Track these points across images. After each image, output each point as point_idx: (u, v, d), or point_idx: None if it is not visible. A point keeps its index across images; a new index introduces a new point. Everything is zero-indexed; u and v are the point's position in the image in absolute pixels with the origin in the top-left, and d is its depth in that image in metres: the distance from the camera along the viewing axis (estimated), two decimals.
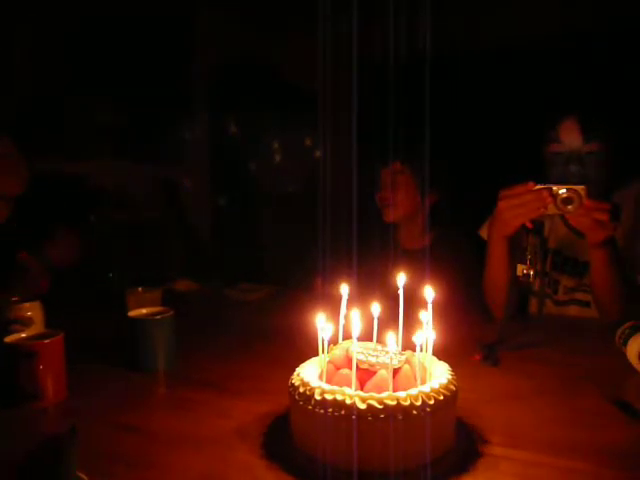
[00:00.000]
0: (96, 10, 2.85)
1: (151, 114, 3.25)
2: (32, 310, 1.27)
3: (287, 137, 3.27)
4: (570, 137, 1.49)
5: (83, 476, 0.74)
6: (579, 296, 1.60)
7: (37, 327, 1.24)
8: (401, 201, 1.93)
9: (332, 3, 2.24)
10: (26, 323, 1.24)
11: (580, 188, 1.24)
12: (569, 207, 1.24)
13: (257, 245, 3.32)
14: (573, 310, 1.61)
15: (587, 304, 1.58)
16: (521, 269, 1.31)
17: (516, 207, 1.30)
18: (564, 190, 1.25)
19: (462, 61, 2.86)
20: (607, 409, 1.00)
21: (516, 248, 1.39)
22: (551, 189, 1.26)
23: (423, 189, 1.95)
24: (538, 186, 1.27)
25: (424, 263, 1.84)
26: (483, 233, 1.69)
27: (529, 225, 1.33)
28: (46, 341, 1.05)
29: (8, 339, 1.06)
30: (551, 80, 2.62)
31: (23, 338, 1.08)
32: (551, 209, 1.27)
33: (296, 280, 1.80)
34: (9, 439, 0.92)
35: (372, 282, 1.43)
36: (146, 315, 1.25)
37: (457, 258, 1.90)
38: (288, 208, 3.10)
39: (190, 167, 3.51)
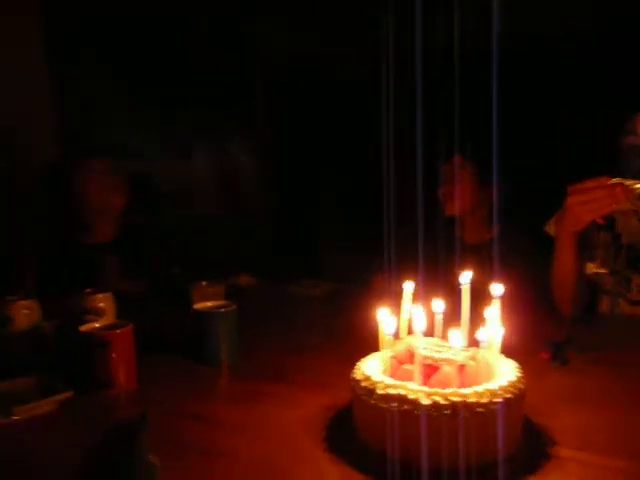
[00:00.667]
0: (160, 11, 2.94)
1: (214, 113, 3.34)
2: (104, 301, 1.33)
3: (347, 133, 3.27)
4: None
5: (154, 460, 0.76)
6: None
7: (109, 318, 1.30)
8: (461, 196, 1.91)
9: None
10: (99, 313, 1.30)
11: None
12: None
13: (319, 241, 3.34)
14: None
15: None
16: (591, 267, 1.26)
17: (587, 203, 1.25)
18: (639, 185, 1.19)
19: (529, 51, 2.77)
20: None
21: (585, 245, 1.34)
22: (625, 184, 1.20)
23: (484, 184, 1.92)
24: (611, 181, 1.22)
25: (486, 257, 1.81)
26: (550, 229, 1.63)
27: (600, 221, 1.27)
28: (118, 331, 1.09)
29: (83, 328, 1.12)
30: (628, 70, 2.50)
31: (96, 328, 1.13)
32: (624, 205, 1.21)
33: (354, 275, 1.81)
34: (85, 424, 0.97)
35: (434, 277, 1.41)
36: (211, 308, 1.28)
37: (521, 254, 1.85)
38: (353, 204, 3.11)
39: (252, 164, 3.57)
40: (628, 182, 1.21)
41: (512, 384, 0.79)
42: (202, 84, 3.23)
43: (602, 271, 1.27)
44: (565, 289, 1.44)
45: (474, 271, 1.08)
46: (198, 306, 1.29)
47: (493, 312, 0.87)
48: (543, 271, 1.77)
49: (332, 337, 1.40)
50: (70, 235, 1.94)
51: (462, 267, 1.09)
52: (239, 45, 3.42)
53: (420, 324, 0.83)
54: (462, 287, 0.94)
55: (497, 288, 0.91)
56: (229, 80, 3.37)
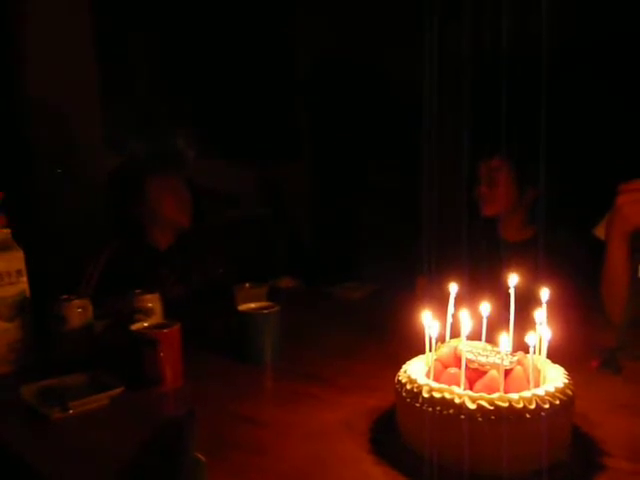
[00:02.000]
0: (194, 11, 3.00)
1: (254, 113, 3.38)
2: (152, 301, 1.37)
3: (388, 132, 3.26)
4: None
5: (201, 457, 0.78)
6: None
7: (157, 317, 1.33)
8: (499, 196, 1.91)
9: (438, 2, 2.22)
10: (147, 313, 1.34)
11: None
12: None
13: (360, 243, 3.33)
14: None
15: None
16: None
17: (638, 202, 1.21)
18: None
19: (568, 53, 2.70)
20: None
21: (637, 246, 1.29)
22: None
23: (522, 185, 1.91)
24: None
25: (527, 255, 1.78)
26: (599, 232, 1.58)
27: None
28: (165, 330, 1.12)
29: (133, 327, 1.15)
30: None
31: (145, 327, 1.17)
32: None
33: (395, 278, 1.80)
34: (134, 419, 1.01)
35: (478, 278, 1.39)
36: (254, 309, 1.30)
37: (566, 254, 1.82)
38: (392, 205, 3.09)
39: (294, 166, 3.60)
40: None
41: (560, 390, 0.78)
42: (246, 90, 3.29)
43: None
44: (617, 294, 1.39)
45: (518, 269, 1.07)
46: (242, 307, 1.31)
47: (541, 316, 0.85)
48: (591, 275, 1.72)
49: (375, 339, 1.40)
50: (133, 243, 1.98)
51: (506, 266, 1.07)
52: (280, 50, 3.46)
53: (466, 327, 0.82)
54: (509, 290, 0.93)
55: (545, 291, 0.89)
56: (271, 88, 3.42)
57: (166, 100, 2.97)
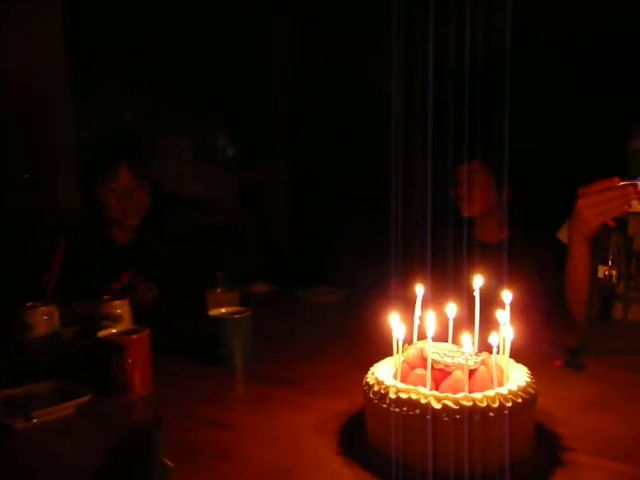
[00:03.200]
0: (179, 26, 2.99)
1: (232, 119, 3.37)
2: (121, 308, 1.36)
3: (361, 138, 3.29)
4: None
5: (168, 462, 0.78)
6: None
7: (126, 323, 1.32)
8: (477, 198, 1.96)
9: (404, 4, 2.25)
10: (116, 319, 1.32)
11: None
12: None
13: (332, 248, 3.35)
14: None
15: None
16: (603, 270, 1.25)
17: (597, 204, 1.25)
18: None
19: (538, 57, 2.78)
20: None
21: (598, 248, 1.33)
22: (636, 185, 1.19)
23: (499, 186, 1.97)
24: (622, 182, 1.21)
25: (500, 256, 1.82)
26: (562, 236, 1.63)
27: (612, 223, 1.26)
28: (134, 336, 1.11)
29: (100, 334, 1.14)
30: (634, 74, 2.49)
31: (113, 333, 1.16)
32: (636, 207, 1.20)
33: (368, 281, 1.82)
34: (101, 427, 0.99)
35: (447, 280, 1.42)
36: (226, 314, 1.30)
37: (535, 257, 1.86)
38: (364, 210, 3.12)
39: (267, 172, 3.60)
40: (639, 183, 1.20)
41: (522, 389, 0.79)
42: (223, 94, 3.28)
43: (613, 274, 1.25)
44: (579, 295, 1.42)
45: (487, 269, 1.09)
46: (213, 312, 1.30)
47: (504, 316, 0.87)
48: (557, 275, 1.76)
49: (345, 343, 1.41)
50: (93, 235, 1.95)
51: (478, 266, 1.09)
52: (256, 55, 3.46)
53: (430, 329, 0.83)
54: (474, 291, 0.95)
55: (508, 292, 0.91)
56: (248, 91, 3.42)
57: (143, 106, 2.95)
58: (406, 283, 1.06)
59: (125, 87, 2.89)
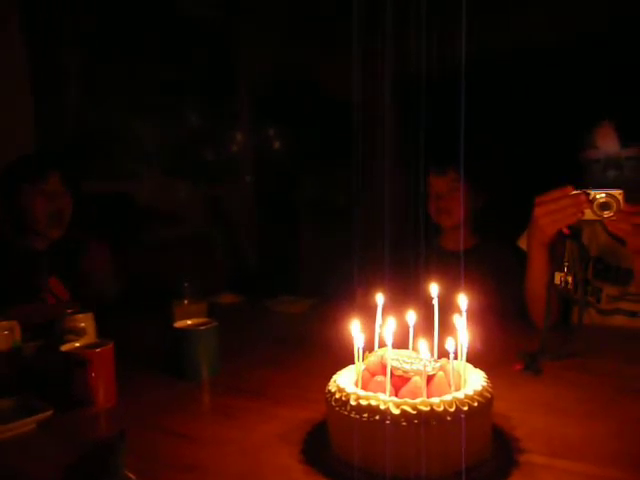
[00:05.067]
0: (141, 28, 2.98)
1: (196, 132, 3.37)
2: (85, 321, 1.34)
3: (327, 151, 3.32)
4: (607, 142, 1.46)
5: (131, 476, 0.78)
6: (624, 305, 1.56)
7: (89, 337, 1.31)
8: (458, 208, 1.99)
9: (367, 18, 2.29)
10: (79, 333, 1.31)
11: (617, 193, 1.21)
12: (606, 212, 1.22)
13: (298, 258, 3.37)
14: (618, 320, 1.57)
15: (634, 314, 1.54)
16: (559, 277, 1.30)
17: (552, 213, 1.28)
18: (602, 195, 1.23)
19: (494, 67, 2.87)
20: None
21: (554, 255, 1.37)
22: (588, 194, 1.24)
23: (474, 196, 2.02)
24: (575, 191, 1.26)
25: (466, 264, 1.86)
26: (522, 244, 1.67)
27: (566, 231, 1.31)
28: (97, 350, 1.11)
29: (63, 348, 1.13)
30: (586, 83, 2.59)
31: (76, 347, 1.14)
32: (588, 215, 1.24)
33: (333, 290, 1.84)
34: (63, 443, 0.98)
35: (410, 288, 1.44)
36: (191, 326, 1.30)
37: (498, 264, 1.91)
38: (330, 220, 3.14)
39: (235, 183, 3.60)
40: (591, 192, 1.24)
41: (479, 393, 0.82)
42: (192, 105, 3.28)
43: (569, 280, 1.30)
44: (538, 300, 1.46)
45: (452, 277, 1.11)
46: (178, 324, 1.30)
47: (461, 322, 0.90)
48: (518, 283, 1.82)
49: (311, 352, 1.42)
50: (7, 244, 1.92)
51: (443, 274, 1.12)
52: (224, 62, 3.47)
53: (389, 336, 0.85)
54: (433, 299, 0.97)
55: (464, 299, 0.94)
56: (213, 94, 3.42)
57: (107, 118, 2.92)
58: (369, 291, 1.07)
59: (90, 95, 2.86)
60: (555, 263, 1.34)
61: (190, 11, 3.23)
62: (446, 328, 0.92)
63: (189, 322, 1.32)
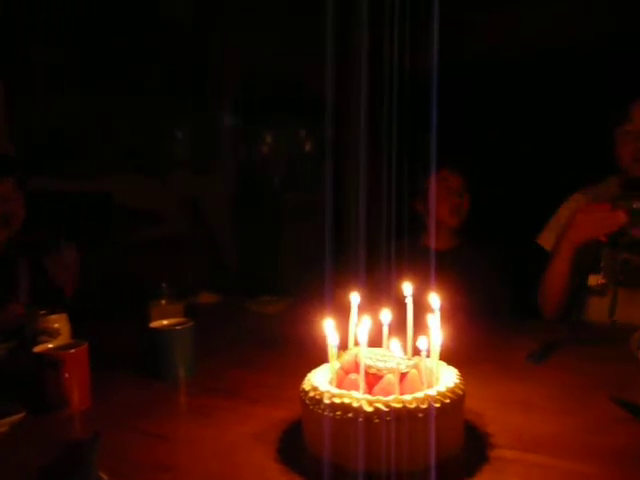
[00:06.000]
0: (118, 27, 2.95)
1: (175, 130, 3.35)
2: (59, 322, 1.33)
3: (306, 151, 3.33)
4: None
5: (105, 477, 0.78)
6: None
7: (64, 338, 1.30)
8: (465, 207, 2.02)
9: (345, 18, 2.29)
10: (53, 334, 1.30)
11: None
12: None
13: (277, 257, 3.37)
14: None
15: None
16: (594, 279, 1.41)
17: (593, 222, 1.41)
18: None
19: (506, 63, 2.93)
20: (618, 414, 1.00)
21: (586, 259, 1.49)
22: (627, 207, 1.35)
23: (471, 195, 2.04)
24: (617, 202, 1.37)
25: (449, 264, 1.88)
26: (542, 241, 1.76)
27: (604, 239, 1.41)
28: (71, 351, 1.10)
29: (36, 349, 1.12)
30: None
31: (50, 348, 1.13)
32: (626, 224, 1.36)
33: (311, 290, 1.84)
34: (36, 445, 0.97)
35: (390, 286, 1.46)
36: (167, 326, 1.29)
37: (477, 266, 1.94)
38: (308, 220, 3.15)
39: (215, 183, 3.59)
40: (619, 202, 1.36)
41: (451, 390, 0.83)
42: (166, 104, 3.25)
43: (604, 282, 1.43)
44: (556, 295, 1.59)
45: (436, 275, 1.13)
46: (154, 324, 1.30)
47: (434, 320, 0.91)
48: (497, 282, 1.86)
49: (287, 351, 1.42)
50: None
51: (427, 273, 1.14)
52: (203, 65, 3.45)
53: (363, 335, 0.86)
54: (407, 298, 0.98)
55: (436, 298, 0.96)
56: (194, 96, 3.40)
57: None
58: (345, 290, 1.08)
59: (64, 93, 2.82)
60: (585, 265, 1.45)
61: (169, 10, 3.21)
62: (421, 325, 0.93)
63: (165, 322, 1.31)
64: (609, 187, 1.65)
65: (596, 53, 2.91)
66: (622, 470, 0.82)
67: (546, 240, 1.73)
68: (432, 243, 2.04)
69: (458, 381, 0.88)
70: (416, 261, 1.73)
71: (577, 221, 1.46)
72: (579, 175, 1.73)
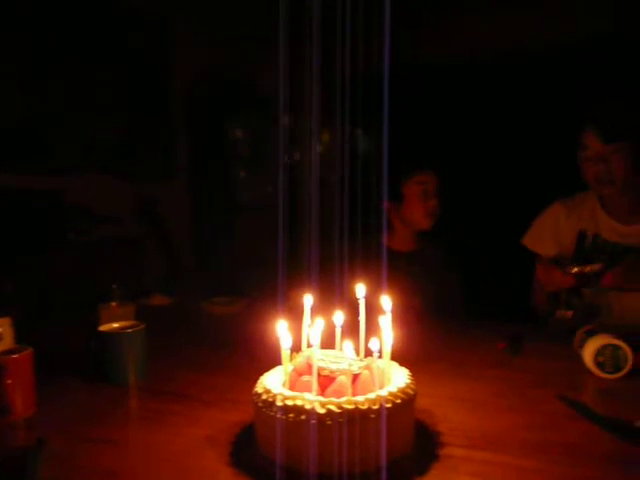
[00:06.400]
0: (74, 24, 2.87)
1: (132, 131, 3.28)
2: (1, 326, 1.28)
3: (260, 149, 3.32)
4: (593, 141, 1.62)
5: None
6: None
7: (7, 343, 1.24)
8: (438, 208, 2.03)
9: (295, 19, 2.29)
10: None
11: (598, 267, 1.46)
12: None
13: (233, 258, 3.34)
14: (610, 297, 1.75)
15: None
16: (560, 314, 1.58)
17: (546, 279, 1.61)
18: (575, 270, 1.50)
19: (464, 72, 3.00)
20: (562, 409, 1.04)
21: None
22: (567, 270, 1.50)
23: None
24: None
25: (411, 265, 1.91)
26: (527, 242, 1.87)
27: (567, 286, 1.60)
28: (14, 356, 1.06)
29: None
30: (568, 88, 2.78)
31: None
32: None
33: (267, 290, 1.84)
34: None
35: (344, 286, 1.46)
36: (116, 329, 1.26)
37: (436, 267, 1.98)
38: (264, 220, 3.14)
39: (169, 183, 3.53)
40: (574, 269, 1.49)
41: (402, 390, 0.85)
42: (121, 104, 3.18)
43: (569, 315, 1.63)
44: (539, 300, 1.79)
45: (396, 275, 1.14)
46: (104, 327, 1.26)
47: (385, 322, 0.92)
48: (454, 284, 1.91)
49: (242, 353, 1.41)
50: None
51: (393, 274, 1.15)
52: (156, 68, 3.39)
53: (316, 337, 0.86)
54: (359, 300, 0.99)
55: (388, 300, 0.97)
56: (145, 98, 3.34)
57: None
58: (300, 292, 1.08)
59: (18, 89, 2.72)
60: (556, 299, 1.62)
61: (124, 10, 3.14)
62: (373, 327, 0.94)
63: (115, 325, 1.29)
64: (585, 201, 1.78)
65: (551, 57, 3.04)
66: (567, 465, 0.85)
67: (530, 241, 1.85)
68: (397, 244, 2.05)
69: (409, 381, 0.89)
70: (376, 262, 1.75)
71: (537, 274, 1.66)
72: (536, 177, 1.82)
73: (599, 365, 1.19)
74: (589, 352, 1.20)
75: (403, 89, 2.19)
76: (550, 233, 1.81)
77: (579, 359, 1.24)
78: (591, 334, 1.25)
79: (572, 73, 3.00)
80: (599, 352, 1.19)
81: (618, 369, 1.18)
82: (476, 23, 3.22)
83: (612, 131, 1.59)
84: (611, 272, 1.43)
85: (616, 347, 1.18)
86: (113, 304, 1.61)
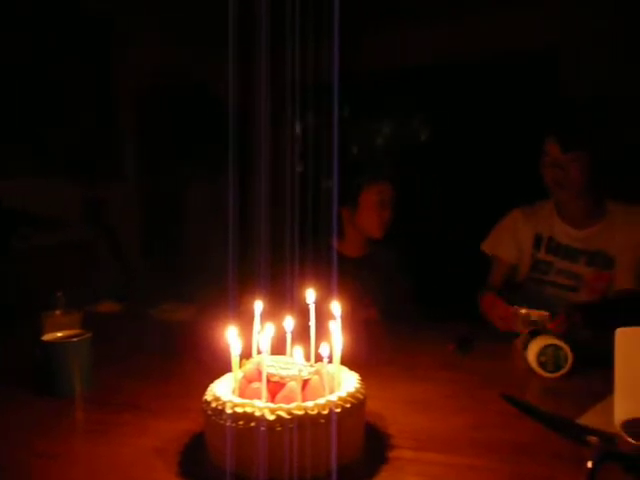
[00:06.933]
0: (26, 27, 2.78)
1: (80, 132, 3.19)
2: None
3: (211, 153, 3.29)
4: (553, 149, 1.69)
5: None
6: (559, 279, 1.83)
7: None
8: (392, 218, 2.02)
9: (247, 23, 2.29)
10: None
11: (545, 315, 1.46)
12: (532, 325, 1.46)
13: (183, 263, 3.29)
14: (549, 290, 1.83)
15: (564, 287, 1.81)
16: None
17: (492, 314, 1.62)
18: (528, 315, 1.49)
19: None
20: (511, 409, 1.07)
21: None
22: (518, 313, 1.49)
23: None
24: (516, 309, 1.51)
25: (362, 270, 1.92)
26: (486, 247, 1.94)
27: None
28: None
29: None
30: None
31: None
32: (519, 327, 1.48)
33: (217, 296, 1.82)
34: None
35: (294, 291, 1.46)
36: (61, 339, 1.22)
37: (387, 270, 2.00)
38: (215, 224, 3.11)
39: (118, 185, 3.45)
40: (521, 311, 1.48)
41: (351, 394, 0.86)
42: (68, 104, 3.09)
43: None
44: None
45: (348, 280, 1.14)
46: (47, 337, 1.22)
47: (334, 327, 0.93)
48: (403, 284, 1.93)
49: (191, 361, 1.39)
50: None
51: (342, 279, 1.15)
52: (105, 67, 3.31)
53: (265, 343, 0.86)
54: (309, 305, 1.00)
55: (337, 305, 0.98)
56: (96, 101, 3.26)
57: None
58: (251, 298, 1.08)
59: None
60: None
61: (74, 9, 3.06)
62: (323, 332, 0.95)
63: (60, 334, 1.24)
64: (543, 208, 1.85)
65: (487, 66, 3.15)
66: (518, 464, 0.88)
67: (489, 246, 1.94)
68: (347, 249, 2.05)
69: (359, 385, 0.90)
70: (326, 267, 1.75)
71: (483, 306, 1.68)
72: (500, 184, 1.87)
73: (541, 365, 1.23)
74: (532, 352, 1.24)
75: (361, 94, 2.22)
76: (509, 236, 1.88)
77: (524, 359, 1.29)
78: (534, 335, 1.30)
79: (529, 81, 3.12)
80: (541, 352, 1.23)
81: (559, 368, 1.23)
82: (428, 32, 3.29)
83: (571, 141, 1.67)
84: (557, 319, 1.45)
85: (557, 347, 1.23)
86: (57, 312, 1.56)
